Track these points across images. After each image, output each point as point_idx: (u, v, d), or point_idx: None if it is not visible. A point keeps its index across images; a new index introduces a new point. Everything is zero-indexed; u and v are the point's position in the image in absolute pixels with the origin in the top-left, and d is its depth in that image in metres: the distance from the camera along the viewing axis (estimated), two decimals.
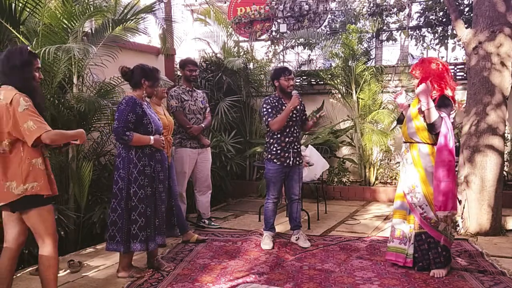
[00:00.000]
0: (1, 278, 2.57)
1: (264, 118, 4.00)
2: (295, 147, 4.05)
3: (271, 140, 4.03)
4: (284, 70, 4.09)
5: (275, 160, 4.00)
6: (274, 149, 4.00)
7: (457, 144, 5.70)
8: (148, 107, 3.37)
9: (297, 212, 4.17)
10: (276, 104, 4.01)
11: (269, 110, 3.96)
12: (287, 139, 4.00)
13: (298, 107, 4.03)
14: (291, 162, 4.02)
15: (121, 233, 3.20)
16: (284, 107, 3.97)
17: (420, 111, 3.22)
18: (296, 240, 4.16)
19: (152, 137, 3.20)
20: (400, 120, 3.53)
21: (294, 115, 4.00)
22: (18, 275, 3.41)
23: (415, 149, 3.30)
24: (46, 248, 2.58)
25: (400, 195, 3.44)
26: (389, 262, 3.50)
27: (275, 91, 4.17)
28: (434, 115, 3.12)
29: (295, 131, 4.05)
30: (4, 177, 2.46)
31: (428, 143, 3.26)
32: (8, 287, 2.62)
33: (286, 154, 4.00)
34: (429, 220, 3.25)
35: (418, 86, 3.24)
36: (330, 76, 6.78)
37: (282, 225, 4.75)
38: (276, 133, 3.99)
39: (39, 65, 2.60)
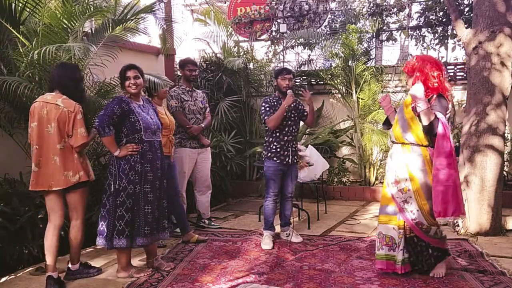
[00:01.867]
0: (52, 253, 3.14)
1: (262, 117, 4.11)
2: (293, 146, 4.17)
3: (270, 139, 4.11)
4: (282, 70, 4.22)
5: (274, 158, 4.07)
6: (274, 147, 4.08)
7: (457, 144, 5.71)
8: (142, 106, 3.35)
9: (289, 209, 4.31)
10: (275, 103, 4.11)
11: (267, 108, 4.07)
12: (285, 137, 4.09)
13: (296, 106, 4.15)
14: (289, 160, 4.12)
15: (107, 229, 3.21)
16: None
17: (415, 111, 3.12)
18: (287, 236, 4.25)
19: (118, 150, 3.22)
20: (387, 122, 3.47)
21: (292, 115, 4.11)
22: (18, 275, 3.42)
23: (408, 150, 3.18)
24: (78, 221, 3.27)
25: (388, 198, 3.28)
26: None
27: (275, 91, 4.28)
28: (428, 117, 3.02)
29: (293, 131, 4.15)
30: (64, 167, 3.11)
31: (421, 145, 3.14)
32: (55, 258, 3.18)
33: (286, 153, 4.08)
34: (421, 226, 3.14)
35: (412, 84, 3.14)
36: (330, 76, 6.78)
37: None
38: (275, 131, 4.08)
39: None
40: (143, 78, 3.39)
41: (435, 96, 3.11)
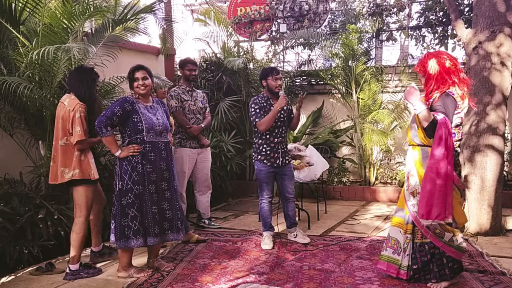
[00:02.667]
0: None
1: (252, 118, 4.02)
2: (283, 147, 4.09)
3: (260, 141, 4.05)
4: (272, 70, 4.10)
5: (265, 161, 4.02)
6: (264, 149, 4.02)
7: None
8: (149, 107, 3.34)
9: (292, 210, 4.24)
10: (265, 104, 4.02)
11: (257, 110, 3.98)
12: (275, 139, 4.02)
13: (285, 107, 4.05)
14: (280, 163, 4.06)
15: (117, 229, 3.22)
16: (272, 107, 3.98)
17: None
18: (295, 237, 4.20)
19: (119, 151, 3.21)
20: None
21: (282, 116, 4.04)
22: (18, 275, 3.42)
23: (418, 153, 3.07)
24: (80, 219, 3.34)
25: (402, 201, 3.21)
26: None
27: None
28: (426, 119, 2.90)
29: (283, 132, 4.09)
30: (61, 163, 3.29)
31: (429, 146, 3.00)
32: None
33: (276, 155, 4.03)
34: (433, 230, 3.01)
35: (425, 83, 3.04)
36: (330, 76, 6.78)
37: (282, 225, 4.73)
38: (264, 133, 4.01)
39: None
40: (151, 78, 3.38)
41: (438, 95, 2.97)
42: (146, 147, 3.26)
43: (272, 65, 7.48)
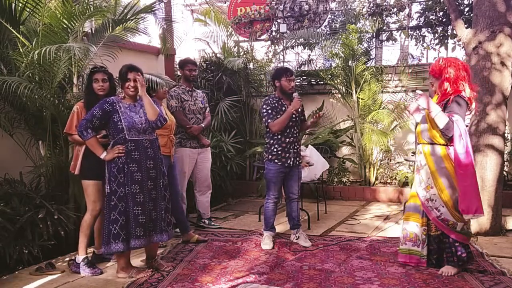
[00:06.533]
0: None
1: (264, 120, 4.00)
2: (295, 147, 4.06)
3: (271, 141, 4.03)
4: (285, 70, 4.07)
5: (276, 161, 4.00)
6: (275, 149, 4.00)
7: None
8: (132, 106, 3.28)
9: (296, 211, 4.18)
10: (276, 105, 4.00)
11: (269, 111, 3.95)
12: (287, 139, 4.00)
13: (299, 108, 4.02)
14: (291, 162, 4.02)
15: (104, 233, 3.21)
16: (284, 108, 3.97)
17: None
18: (297, 239, 4.16)
19: (104, 153, 3.20)
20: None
21: (294, 116, 4.00)
22: (19, 275, 3.41)
23: (428, 150, 3.30)
24: (86, 213, 3.47)
25: (414, 197, 3.44)
26: (389, 262, 3.54)
27: (275, 91, 4.15)
28: (443, 120, 3.12)
29: (295, 132, 4.05)
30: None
31: (440, 144, 3.24)
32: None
33: (287, 155, 4.00)
34: (446, 222, 3.25)
35: (439, 86, 3.27)
36: (330, 76, 6.78)
37: (282, 225, 4.75)
38: (276, 134, 3.98)
39: (98, 77, 3.46)
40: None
41: (452, 97, 3.19)
42: (129, 146, 3.21)
43: (272, 65, 7.48)
